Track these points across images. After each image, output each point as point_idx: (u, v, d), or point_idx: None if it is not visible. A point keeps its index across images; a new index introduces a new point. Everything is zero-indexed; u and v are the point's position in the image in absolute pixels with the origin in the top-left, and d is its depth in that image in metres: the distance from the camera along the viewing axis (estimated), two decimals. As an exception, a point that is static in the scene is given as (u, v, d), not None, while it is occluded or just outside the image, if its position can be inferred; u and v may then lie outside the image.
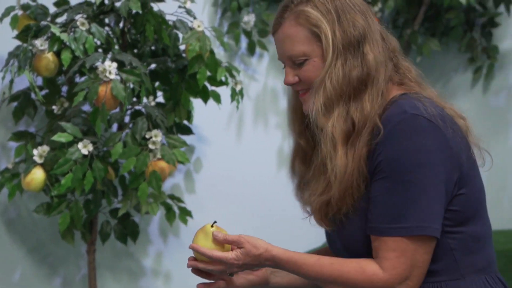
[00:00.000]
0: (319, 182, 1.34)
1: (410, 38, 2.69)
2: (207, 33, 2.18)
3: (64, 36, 2.00)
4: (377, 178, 1.26)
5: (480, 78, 2.87)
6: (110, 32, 2.20)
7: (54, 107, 2.18)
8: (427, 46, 2.70)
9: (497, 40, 2.82)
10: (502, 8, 2.75)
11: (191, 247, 1.40)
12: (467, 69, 2.88)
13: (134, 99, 2.17)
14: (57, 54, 2.04)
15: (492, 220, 1.39)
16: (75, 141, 2.04)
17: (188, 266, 1.43)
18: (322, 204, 1.33)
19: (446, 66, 2.92)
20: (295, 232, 2.72)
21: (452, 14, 2.66)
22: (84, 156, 2.03)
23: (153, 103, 2.18)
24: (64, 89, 2.24)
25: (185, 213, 2.30)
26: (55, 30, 2.00)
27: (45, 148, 2.09)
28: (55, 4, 2.20)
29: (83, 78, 2.10)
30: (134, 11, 2.09)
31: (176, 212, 2.29)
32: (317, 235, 2.71)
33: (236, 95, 2.30)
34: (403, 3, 2.68)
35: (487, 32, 2.79)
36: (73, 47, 2.01)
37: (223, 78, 2.22)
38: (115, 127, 2.27)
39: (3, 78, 2.12)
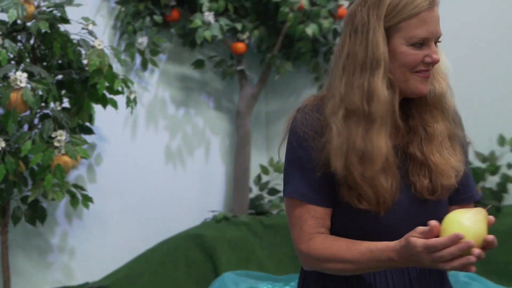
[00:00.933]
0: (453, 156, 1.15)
1: (270, 61, 2.72)
2: (107, 51, 2.12)
3: (-20, 50, 1.88)
4: None
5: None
6: (22, 47, 2.08)
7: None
8: (283, 67, 2.74)
9: None
10: (338, 40, 2.84)
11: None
12: (314, 85, 2.92)
13: (43, 104, 2.08)
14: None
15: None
16: (-10, 139, 1.93)
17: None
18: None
19: (298, 83, 2.98)
20: (177, 215, 2.71)
21: (302, 43, 2.71)
22: (-2, 151, 1.93)
23: (59, 108, 2.08)
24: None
25: (87, 199, 2.21)
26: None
27: (-38, 145, 1.95)
28: (-28, 22, 2.06)
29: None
30: (43, 30, 2.01)
31: (79, 198, 2.20)
32: (194, 219, 2.73)
33: (131, 102, 2.26)
34: (265, 33, 2.71)
35: (328, 57, 2.85)
36: (-12, 59, 1.90)
37: (119, 88, 2.17)
38: (26, 127, 2.16)
39: None
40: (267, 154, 3.00)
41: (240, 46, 2.66)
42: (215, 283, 2.27)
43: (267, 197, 2.80)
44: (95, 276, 2.46)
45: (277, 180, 2.80)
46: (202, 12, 2.55)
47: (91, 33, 2.12)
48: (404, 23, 1.09)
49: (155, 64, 2.61)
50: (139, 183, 2.62)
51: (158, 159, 2.69)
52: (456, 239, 0.96)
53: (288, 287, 2.28)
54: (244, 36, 2.66)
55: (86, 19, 2.12)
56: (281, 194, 2.78)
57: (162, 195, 2.67)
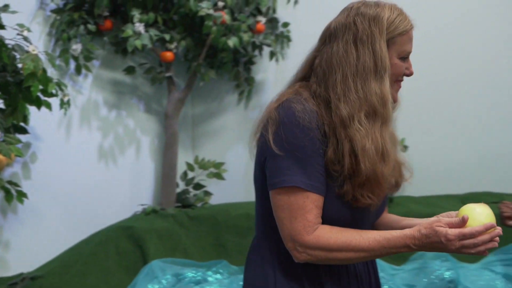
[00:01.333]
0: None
1: (196, 69, 2.69)
2: (41, 56, 2.00)
3: None
4: None
5: (243, 98, 2.93)
6: (-44, 50, 1.92)
7: None
8: (208, 75, 2.71)
9: (254, 73, 2.90)
10: (257, 52, 2.86)
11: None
12: (235, 92, 2.92)
13: (-23, 105, 1.92)
14: None
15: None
16: None
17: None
18: None
19: (221, 89, 2.96)
20: (109, 209, 2.62)
21: (224, 54, 2.70)
22: None
23: (-7, 109, 1.94)
24: None
25: (22, 195, 2.08)
26: None
27: None
28: None
29: None
30: (-23, 35, 1.85)
31: (13, 194, 2.06)
32: (125, 212, 2.65)
33: (64, 104, 2.15)
34: (191, 44, 2.68)
35: (248, 67, 2.87)
36: None
37: (53, 91, 2.05)
38: (-40, 127, 1.99)
39: None
40: (193, 153, 2.97)
41: (169, 55, 2.61)
42: (143, 270, 2.22)
43: (192, 192, 2.76)
44: (30, 267, 2.34)
45: (201, 176, 2.77)
46: (133, 23, 2.48)
47: (26, 38, 1.99)
48: (399, 38, 1.11)
49: (88, 69, 2.51)
50: (73, 180, 2.50)
51: (91, 157, 2.59)
52: (491, 227, 1.00)
53: (210, 272, 2.26)
54: (172, 46, 2.62)
55: (21, 25, 1.99)
56: (206, 188, 2.76)
57: (94, 191, 2.57)
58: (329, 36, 1.13)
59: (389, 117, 1.09)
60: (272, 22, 2.80)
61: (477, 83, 2.79)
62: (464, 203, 1.11)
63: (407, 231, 1.04)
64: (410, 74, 1.14)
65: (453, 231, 1.00)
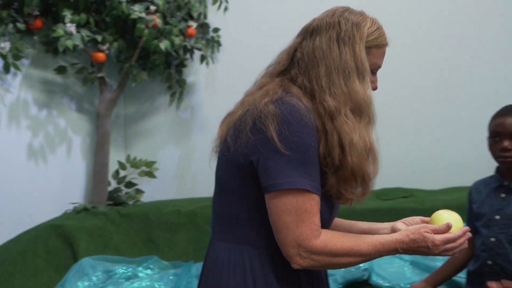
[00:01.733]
0: None
1: (128, 70, 2.70)
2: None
3: None
4: None
5: (174, 100, 2.96)
6: None
7: None
8: (140, 76, 2.72)
9: (185, 75, 2.94)
10: (188, 55, 2.91)
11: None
12: (166, 93, 2.94)
13: None
14: None
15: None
16: None
17: None
18: None
19: (153, 91, 2.98)
20: (40, 208, 2.60)
21: (156, 56, 2.72)
22: None
23: None
24: None
25: None
26: None
27: None
28: None
29: None
30: None
31: None
32: (56, 211, 2.63)
33: (-8, 103, 2.11)
34: (124, 46, 2.68)
35: (179, 70, 2.90)
36: None
37: (-19, 90, 2.01)
38: None
39: None
40: (125, 152, 2.99)
41: (100, 56, 2.62)
42: (73, 268, 2.21)
43: (124, 190, 2.78)
44: (-46, 267, 2.28)
45: (133, 175, 2.81)
46: (64, 23, 2.48)
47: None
48: (375, 49, 1.10)
49: (17, 68, 2.47)
50: (2, 178, 2.47)
51: (21, 156, 2.55)
52: (466, 231, 1.07)
53: (141, 268, 2.29)
54: (104, 47, 2.63)
55: None
56: (138, 186, 2.80)
57: (25, 189, 2.53)
58: (311, 31, 1.10)
59: (374, 117, 1.06)
60: (203, 27, 2.87)
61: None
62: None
63: (397, 236, 1.04)
64: (374, 89, 1.12)
65: (440, 237, 1.04)
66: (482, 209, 1.65)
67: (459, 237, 1.06)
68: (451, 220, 1.09)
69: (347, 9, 1.13)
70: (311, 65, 1.06)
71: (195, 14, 2.81)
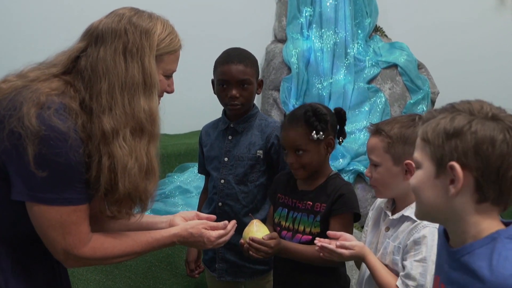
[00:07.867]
0: None
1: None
2: None
3: None
4: None
5: None
6: None
7: None
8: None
9: None
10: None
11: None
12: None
13: None
14: None
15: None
16: None
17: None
18: None
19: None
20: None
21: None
22: None
23: None
24: None
25: None
26: None
27: None
28: None
29: None
30: None
31: None
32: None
33: None
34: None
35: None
36: None
37: None
38: None
39: None
40: None
41: None
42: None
43: None
44: None
45: None
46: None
47: None
48: (166, 56, 1.10)
49: None
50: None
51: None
52: (232, 228, 1.25)
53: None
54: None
55: None
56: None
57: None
58: (96, 38, 1.05)
59: (157, 134, 1.07)
60: None
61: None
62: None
63: (174, 230, 1.17)
64: (171, 92, 1.15)
65: (215, 233, 1.20)
66: (212, 152, 1.68)
67: (229, 230, 1.23)
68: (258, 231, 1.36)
69: (135, 13, 1.08)
70: (94, 79, 1.03)
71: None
